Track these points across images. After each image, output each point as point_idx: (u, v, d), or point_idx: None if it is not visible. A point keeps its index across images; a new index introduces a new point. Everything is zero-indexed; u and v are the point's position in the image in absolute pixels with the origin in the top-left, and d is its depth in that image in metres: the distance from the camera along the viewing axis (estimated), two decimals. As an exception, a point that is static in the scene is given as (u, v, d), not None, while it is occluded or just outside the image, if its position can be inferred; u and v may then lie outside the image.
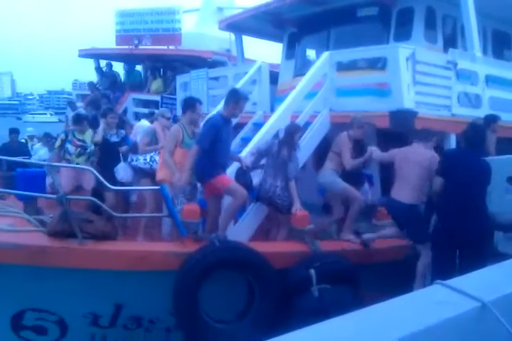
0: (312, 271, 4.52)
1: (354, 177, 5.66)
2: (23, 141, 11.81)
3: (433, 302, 1.80)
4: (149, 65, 13.84)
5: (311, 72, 6.50)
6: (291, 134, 5.49)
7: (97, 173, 4.34)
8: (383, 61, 6.23)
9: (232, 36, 12.64)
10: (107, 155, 6.63)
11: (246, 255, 4.44)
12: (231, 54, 12.65)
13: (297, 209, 5.16)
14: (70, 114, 10.62)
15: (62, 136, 7.12)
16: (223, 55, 12.53)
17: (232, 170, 5.51)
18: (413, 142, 5.26)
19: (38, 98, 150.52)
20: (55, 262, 4.14)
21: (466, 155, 4.76)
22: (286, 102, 6.21)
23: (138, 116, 12.76)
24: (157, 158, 6.18)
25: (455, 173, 4.59)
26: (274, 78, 9.06)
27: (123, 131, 7.10)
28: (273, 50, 12.21)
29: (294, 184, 5.40)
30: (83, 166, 5.74)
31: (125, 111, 12.96)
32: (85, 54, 15.08)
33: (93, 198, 4.26)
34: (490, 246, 4.73)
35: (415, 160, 5.02)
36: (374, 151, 5.60)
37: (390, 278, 5.14)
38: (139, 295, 4.58)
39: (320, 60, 6.61)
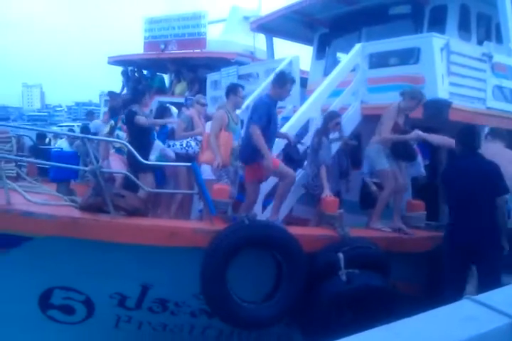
0: (340, 255, 4.46)
1: (403, 150, 5.50)
2: (47, 140, 12.15)
3: (462, 317, 1.76)
4: (173, 69, 14.06)
5: (343, 63, 6.50)
6: (325, 122, 5.54)
7: (132, 149, 4.39)
8: (416, 56, 6.20)
9: (257, 42, 12.77)
10: (142, 138, 6.23)
11: (275, 234, 4.41)
12: (255, 56, 12.75)
13: (327, 194, 5.12)
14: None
15: (112, 122, 7.18)
16: (247, 57, 12.63)
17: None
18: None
19: (66, 109, 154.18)
20: (86, 234, 4.17)
21: (466, 162, 4.45)
22: (317, 92, 6.22)
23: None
24: (193, 143, 6.28)
25: (457, 183, 4.37)
26: (303, 82, 9.06)
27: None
28: (303, 54, 12.27)
29: (324, 170, 5.39)
30: (118, 140, 5.74)
31: (151, 113, 13.19)
32: (114, 61, 15.38)
33: (127, 172, 4.29)
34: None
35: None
36: (431, 136, 5.36)
37: (418, 268, 5.05)
38: (166, 276, 4.58)
39: (352, 52, 6.60)
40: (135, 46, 14.99)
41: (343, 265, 4.44)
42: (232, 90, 5.65)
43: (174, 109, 7.65)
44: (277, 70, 7.84)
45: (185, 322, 5.08)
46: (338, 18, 9.25)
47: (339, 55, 10.31)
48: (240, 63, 12.17)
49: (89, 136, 5.07)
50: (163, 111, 6.87)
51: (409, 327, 1.69)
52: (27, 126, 10.18)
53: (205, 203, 4.50)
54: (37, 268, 4.44)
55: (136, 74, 14.91)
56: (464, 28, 7.76)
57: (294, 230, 4.68)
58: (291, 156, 5.71)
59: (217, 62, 12.72)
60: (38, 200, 4.43)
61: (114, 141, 6.00)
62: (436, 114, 5.65)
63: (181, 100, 12.14)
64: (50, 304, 4.73)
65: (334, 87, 6.35)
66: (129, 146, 4.39)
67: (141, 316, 4.97)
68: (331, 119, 5.65)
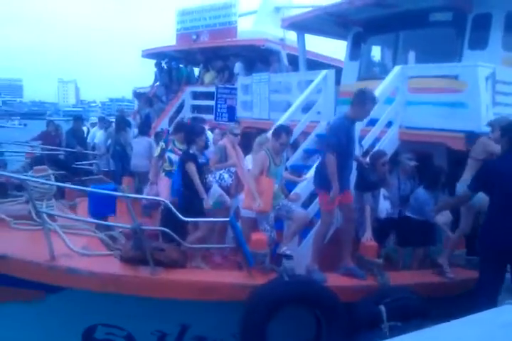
0: (382, 308, 4.41)
1: None
2: (84, 128, 12.34)
3: (503, 323, 1.69)
4: (202, 59, 13.91)
5: (382, 86, 6.26)
6: (372, 161, 5.47)
7: (168, 203, 4.39)
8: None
9: (288, 33, 12.42)
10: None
11: (314, 290, 4.39)
12: (285, 43, 12.46)
13: (367, 238, 5.04)
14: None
15: (162, 144, 6.98)
16: (277, 44, 12.34)
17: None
18: None
19: (100, 105, 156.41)
20: (127, 290, 4.25)
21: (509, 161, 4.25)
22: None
23: (195, 109, 13.12)
24: (226, 175, 6.14)
25: (499, 184, 4.16)
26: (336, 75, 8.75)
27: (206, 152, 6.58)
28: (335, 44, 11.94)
29: (368, 211, 5.31)
30: (155, 197, 5.62)
31: (182, 103, 13.21)
32: (148, 54, 15.32)
33: (166, 229, 4.30)
34: None
35: None
36: None
37: (460, 311, 4.96)
38: (205, 318, 4.66)
39: (391, 74, 6.35)
40: (169, 39, 14.89)
41: (385, 318, 4.40)
42: (275, 135, 5.26)
43: (210, 134, 7.49)
44: (313, 85, 7.66)
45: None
46: (374, 20, 8.89)
47: (374, 52, 10.11)
48: (270, 50, 11.96)
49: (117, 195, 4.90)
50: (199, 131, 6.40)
51: (449, 332, 1.64)
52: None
53: (243, 255, 4.49)
54: (80, 308, 4.58)
55: (165, 66, 14.80)
56: (509, 37, 7.32)
57: (332, 280, 4.64)
58: (366, 178, 5.44)
59: (246, 50, 12.53)
60: (80, 250, 4.50)
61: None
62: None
63: (213, 89, 12.11)
64: (94, 338, 4.90)
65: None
66: (169, 205, 4.36)
67: None
68: (378, 159, 5.52)
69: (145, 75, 17.22)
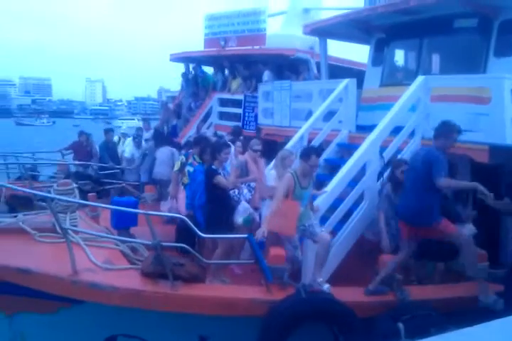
0: (401, 325, 4.38)
1: None
2: (115, 138, 12.43)
3: None
4: (228, 65, 13.93)
5: (405, 97, 6.20)
6: (392, 169, 5.50)
7: (186, 219, 4.45)
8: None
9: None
10: (222, 197, 5.81)
11: (332, 307, 4.39)
12: (314, 51, 12.38)
13: (385, 246, 5.12)
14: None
15: (183, 158, 6.97)
16: (306, 53, 12.26)
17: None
18: None
19: (126, 104, 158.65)
20: (148, 305, 4.33)
21: None
22: (376, 131, 5.98)
23: (222, 116, 13.14)
24: (245, 190, 6.14)
25: None
26: (358, 78, 8.69)
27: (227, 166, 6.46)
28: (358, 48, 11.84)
29: (382, 217, 5.42)
30: (175, 214, 5.67)
31: (210, 110, 13.27)
32: (176, 58, 15.35)
33: (186, 246, 4.36)
34: None
35: None
36: None
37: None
38: (223, 331, 4.71)
39: (414, 85, 6.27)
40: (195, 43, 14.97)
41: (403, 335, 4.37)
42: (304, 156, 5.13)
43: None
44: (334, 94, 7.63)
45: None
46: (397, 26, 8.78)
47: (397, 57, 9.99)
48: (300, 59, 11.91)
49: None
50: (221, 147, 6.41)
51: (472, 337, 1.64)
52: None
53: (261, 271, 4.51)
54: (101, 319, 4.68)
55: (192, 71, 14.89)
56: (537, 45, 7.16)
57: (350, 296, 4.63)
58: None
59: (276, 59, 12.51)
60: (102, 264, 4.61)
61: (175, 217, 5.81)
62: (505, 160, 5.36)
63: (241, 97, 12.16)
64: None
65: (393, 126, 6.07)
66: (187, 221, 4.41)
67: None
68: (398, 167, 5.55)
69: (171, 74, 17.37)
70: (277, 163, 5.90)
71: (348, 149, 7.20)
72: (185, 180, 6.62)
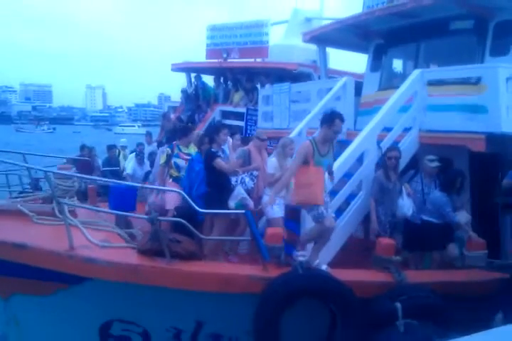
0: (398, 305, 4.34)
1: None
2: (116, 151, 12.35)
3: None
4: (232, 77, 14.09)
5: (401, 90, 6.29)
6: (384, 156, 5.60)
7: (186, 196, 4.46)
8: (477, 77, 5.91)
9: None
10: (221, 181, 5.91)
11: (329, 284, 4.35)
12: (317, 65, 12.57)
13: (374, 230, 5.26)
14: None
15: (168, 150, 6.81)
16: (309, 67, 12.43)
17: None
18: None
19: (126, 111, 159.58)
20: (143, 280, 4.30)
21: None
22: (373, 122, 6.05)
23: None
24: (247, 179, 6.10)
25: None
26: (357, 89, 8.84)
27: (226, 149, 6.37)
28: (357, 59, 12.03)
29: (373, 204, 5.54)
30: (171, 188, 5.62)
31: (212, 122, 13.37)
32: (177, 68, 15.57)
33: (182, 220, 4.36)
34: None
35: None
36: None
37: (479, 313, 4.85)
38: (220, 314, 4.67)
39: (410, 78, 6.38)
40: (195, 52, 15.25)
41: (401, 315, 4.32)
42: (327, 122, 4.87)
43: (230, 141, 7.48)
44: (332, 92, 7.75)
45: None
46: (394, 31, 8.96)
47: (395, 64, 10.14)
48: (302, 74, 12.06)
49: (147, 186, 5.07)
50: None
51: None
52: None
53: (258, 249, 4.50)
54: (97, 302, 4.64)
55: (195, 82, 15.01)
56: (532, 45, 7.30)
57: (348, 275, 4.60)
58: None
59: (278, 72, 12.66)
60: (99, 242, 4.60)
61: (169, 190, 5.77)
62: (502, 149, 5.41)
63: (243, 110, 12.27)
64: (110, 334, 4.94)
65: (391, 116, 6.14)
66: (186, 196, 4.43)
67: None
68: (388, 151, 5.75)
69: (169, 81, 17.58)
70: (278, 150, 5.93)
71: (346, 145, 7.24)
72: (173, 172, 6.56)
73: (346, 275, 4.62)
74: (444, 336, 4.30)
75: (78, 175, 5.30)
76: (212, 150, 5.67)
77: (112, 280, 4.30)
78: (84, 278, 4.44)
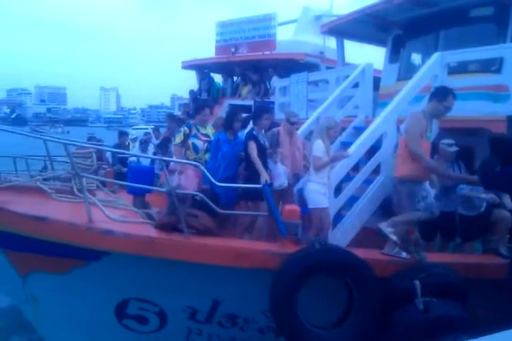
0: (417, 282, 4.28)
1: None
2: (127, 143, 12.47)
3: None
4: (240, 71, 14.15)
5: (420, 73, 6.22)
6: None
7: (205, 170, 4.45)
8: (498, 63, 5.82)
9: (327, 41, 12.56)
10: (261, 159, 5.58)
11: (347, 259, 4.31)
12: (324, 56, 12.55)
13: None
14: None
15: (186, 129, 6.21)
16: (316, 57, 12.42)
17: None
18: None
19: (139, 112, 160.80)
20: (161, 253, 4.29)
21: None
22: (392, 104, 5.99)
23: None
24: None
25: None
26: (375, 84, 8.81)
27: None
28: (375, 55, 11.95)
29: None
30: (191, 162, 5.48)
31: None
32: (187, 65, 15.72)
33: (201, 194, 4.35)
34: None
35: None
36: None
37: (499, 296, 4.75)
38: (236, 292, 4.63)
39: (430, 61, 6.30)
40: (208, 52, 15.30)
41: (420, 293, 4.26)
42: (440, 96, 4.73)
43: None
44: (350, 78, 7.70)
45: (254, 337, 5.12)
46: (413, 20, 8.88)
47: (414, 57, 10.05)
48: (309, 64, 12.04)
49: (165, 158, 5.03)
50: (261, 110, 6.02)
51: None
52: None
53: (276, 225, 4.48)
54: (114, 280, 4.64)
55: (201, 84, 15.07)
56: (553, 29, 7.17)
57: (366, 254, 4.55)
58: None
59: (285, 64, 12.66)
60: (117, 217, 4.62)
61: (191, 164, 5.40)
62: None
63: (249, 102, 12.28)
64: (126, 313, 4.94)
65: (409, 99, 6.07)
66: (205, 170, 4.42)
67: (211, 329, 5.07)
68: None
69: (183, 82, 17.67)
70: (322, 133, 5.46)
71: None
72: (191, 154, 6.13)
73: (363, 253, 4.57)
74: (463, 312, 4.24)
75: (98, 147, 5.27)
76: (254, 133, 5.60)
77: (128, 253, 4.30)
78: (101, 254, 4.45)
